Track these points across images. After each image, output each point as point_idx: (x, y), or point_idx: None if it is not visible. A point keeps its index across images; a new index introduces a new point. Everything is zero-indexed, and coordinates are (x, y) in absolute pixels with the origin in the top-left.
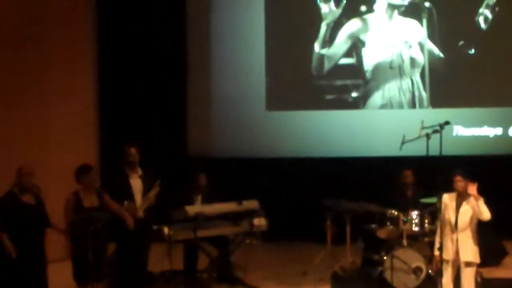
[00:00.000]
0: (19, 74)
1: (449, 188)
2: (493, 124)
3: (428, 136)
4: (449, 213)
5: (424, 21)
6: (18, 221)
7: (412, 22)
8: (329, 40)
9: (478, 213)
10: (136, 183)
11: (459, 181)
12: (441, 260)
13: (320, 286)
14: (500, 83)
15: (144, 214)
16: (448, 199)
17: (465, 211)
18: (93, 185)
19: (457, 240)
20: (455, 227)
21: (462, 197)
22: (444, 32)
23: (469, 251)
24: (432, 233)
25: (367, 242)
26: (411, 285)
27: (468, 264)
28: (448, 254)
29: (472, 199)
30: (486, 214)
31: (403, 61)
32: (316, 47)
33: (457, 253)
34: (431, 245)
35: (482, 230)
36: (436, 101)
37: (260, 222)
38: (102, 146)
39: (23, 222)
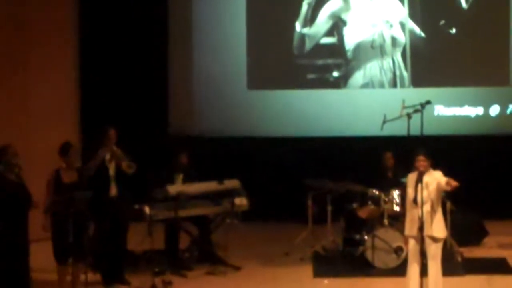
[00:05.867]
0: (0, 55)
1: (433, 168)
2: (474, 104)
3: (409, 115)
4: (410, 191)
5: (405, 0)
6: (5, 199)
7: (393, 2)
8: (310, 19)
9: (447, 187)
10: (111, 163)
11: (422, 161)
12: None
13: (301, 265)
14: (481, 63)
15: (119, 193)
16: (410, 178)
17: (423, 187)
18: (72, 163)
19: (419, 217)
20: (414, 203)
21: (421, 174)
22: (426, 11)
23: (432, 226)
24: None
25: (348, 222)
26: (392, 265)
27: (433, 239)
28: (412, 231)
29: (432, 175)
30: (453, 183)
31: (384, 40)
32: (297, 26)
33: (420, 229)
34: None
35: (463, 210)
36: (417, 80)
37: (241, 201)
38: (83, 127)
39: (9, 200)
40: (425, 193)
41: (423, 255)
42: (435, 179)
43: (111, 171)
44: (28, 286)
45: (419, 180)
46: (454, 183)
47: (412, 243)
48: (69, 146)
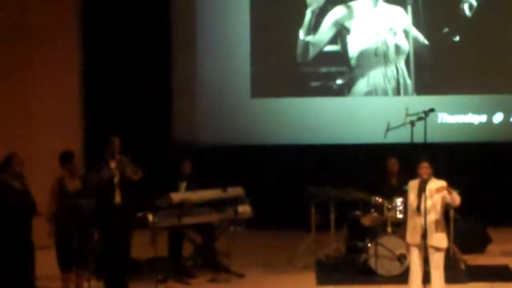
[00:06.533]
0: (2, 61)
1: (436, 175)
2: (477, 111)
3: (412, 123)
4: (412, 199)
5: (409, 8)
6: (10, 207)
7: (397, 9)
8: (314, 27)
9: (451, 203)
10: (116, 171)
11: (426, 168)
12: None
13: (304, 273)
14: (485, 71)
15: (123, 201)
16: (412, 185)
17: (427, 197)
18: (76, 172)
19: (422, 225)
20: (417, 212)
21: (424, 182)
22: (429, 19)
23: (434, 236)
24: None
25: (352, 230)
26: (396, 272)
27: (435, 249)
28: (415, 239)
29: (434, 183)
30: (457, 202)
31: (388, 48)
32: (301, 34)
33: (423, 237)
34: None
35: (466, 217)
36: (421, 88)
37: (244, 209)
38: (87, 134)
39: (14, 208)
40: (429, 202)
41: (425, 262)
42: (439, 190)
43: (116, 178)
44: None
45: (423, 188)
46: (458, 201)
47: (414, 251)
48: (70, 155)
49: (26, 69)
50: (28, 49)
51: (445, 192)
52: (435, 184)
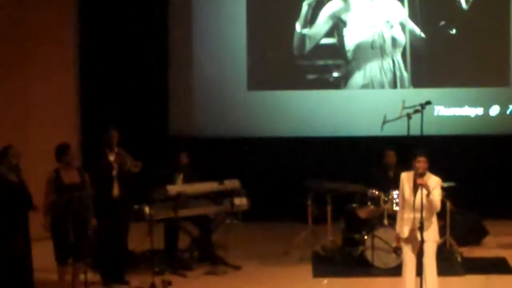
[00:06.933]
0: (2, 60)
1: (431, 168)
2: (474, 104)
3: (409, 116)
4: (407, 193)
5: (406, 1)
6: (6, 199)
7: (394, 2)
8: (311, 20)
9: (431, 205)
10: (115, 164)
11: (422, 162)
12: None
13: (301, 265)
14: (481, 63)
15: (121, 194)
16: (406, 177)
17: (423, 192)
18: (73, 164)
19: (415, 219)
20: (413, 207)
21: (419, 177)
22: (426, 12)
23: (428, 231)
24: None
25: (348, 222)
26: (392, 264)
27: (428, 242)
28: (405, 232)
29: (429, 179)
30: (437, 207)
31: (384, 41)
32: (298, 27)
33: (414, 231)
34: None
35: (462, 210)
36: (417, 81)
37: (241, 201)
38: (83, 127)
39: (11, 201)
40: (425, 198)
41: (420, 254)
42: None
43: (114, 171)
44: (31, 286)
45: (419, 183)
46: (437, 209)
47: (405, 243)
48: (64, 147)
49: (25, 69)
50: (28, 49)
51: (435, 191)
52: (431, 181)
